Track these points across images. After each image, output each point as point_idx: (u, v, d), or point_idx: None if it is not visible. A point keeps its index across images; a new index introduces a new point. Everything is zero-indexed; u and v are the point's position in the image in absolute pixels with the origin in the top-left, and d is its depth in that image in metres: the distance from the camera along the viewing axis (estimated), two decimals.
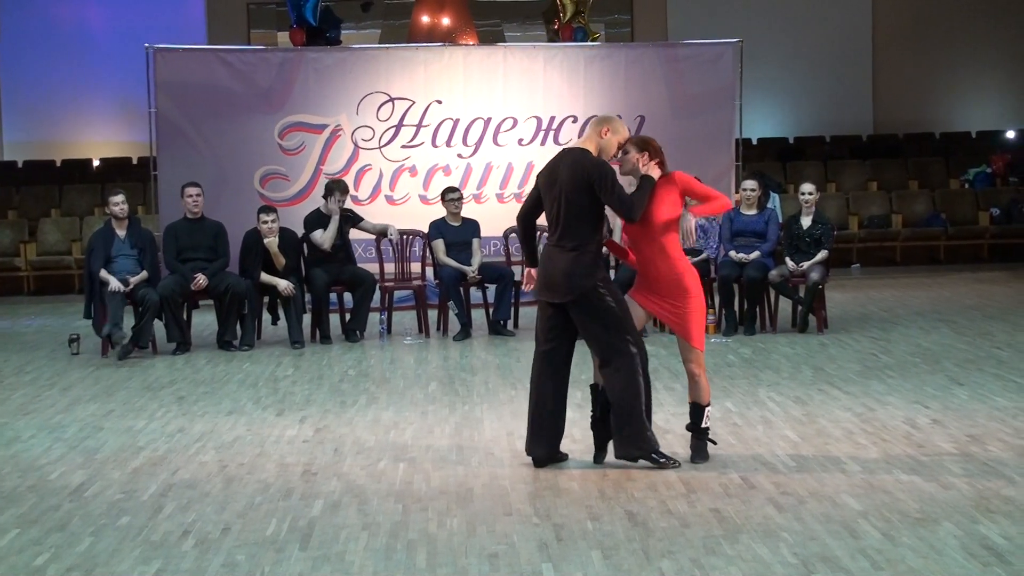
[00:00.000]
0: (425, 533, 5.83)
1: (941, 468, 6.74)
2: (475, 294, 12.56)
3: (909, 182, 19.53)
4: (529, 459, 7.04)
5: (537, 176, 7.12)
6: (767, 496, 6.28)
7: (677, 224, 6.94)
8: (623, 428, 6.82)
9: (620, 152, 6.98)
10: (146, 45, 13.71)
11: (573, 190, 6.79)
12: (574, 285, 6.78)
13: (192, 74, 13.74)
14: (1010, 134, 21.41)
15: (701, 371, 7.00)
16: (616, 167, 6.95)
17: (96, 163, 20.71)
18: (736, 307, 11.89)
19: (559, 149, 7.34)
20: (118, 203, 11.56)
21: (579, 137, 7.00)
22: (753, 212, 11.98)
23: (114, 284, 11.22)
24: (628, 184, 7.02)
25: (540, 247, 7.32)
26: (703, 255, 11.97)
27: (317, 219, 12.10)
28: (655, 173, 6.93)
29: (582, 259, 6.79)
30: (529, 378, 7.07)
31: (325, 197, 12.14)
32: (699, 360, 6.97)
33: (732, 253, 11.83)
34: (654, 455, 6.85)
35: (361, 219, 12.38)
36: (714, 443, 7.14)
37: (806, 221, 11.94)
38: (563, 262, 6.81)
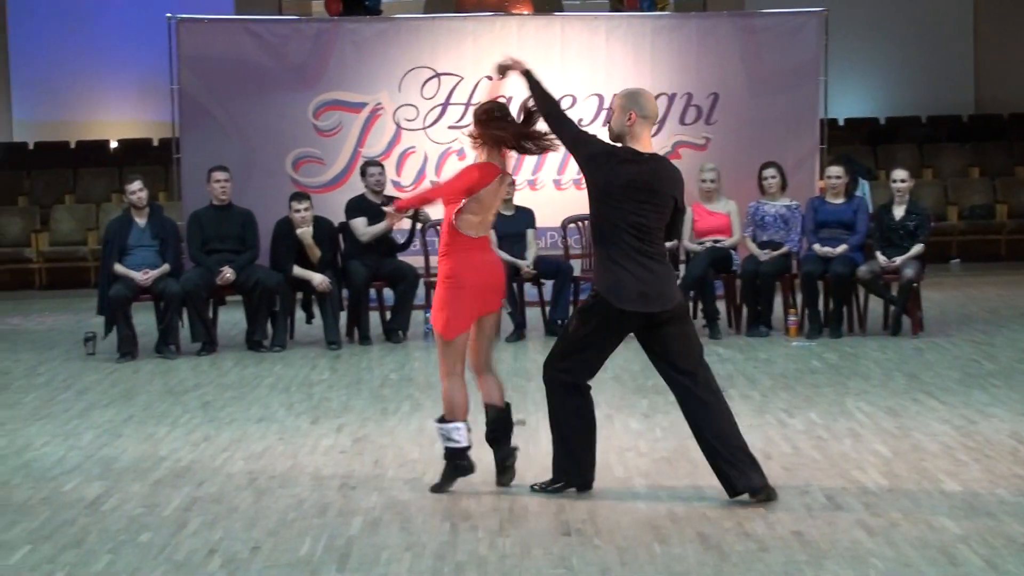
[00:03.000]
0: (475, 554, 5.83)
1: None
2: (530, 291, 12.56)
3: (1015, 168, 19.41)
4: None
5: (615, 174, 6.57)
6: (855, 518, 6.25)
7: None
8: (737, 457, 6.56)
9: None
10: (168, 15, 13.83)
11: (670, 202, 6.66)
12: (675, 293, 6.75)
13: (218, 47, 13.83)
14: None
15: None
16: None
17: (114, 145, 20.91)
18: (821, 307, 11.82)
19: (643, 153, 6.62)
20: (135, 191, 11.56)
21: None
22: (840, 201, 11.91)
23: (136, 276, 11.31)
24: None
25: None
26: (784, 248, 11.92)
27: (359, 205, 12.12)
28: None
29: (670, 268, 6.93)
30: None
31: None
32: None
33: (816, 247, 11.75)
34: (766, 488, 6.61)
35: None
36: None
37: (899, 211, 11.86)
38: (662, 271, 6.67)
